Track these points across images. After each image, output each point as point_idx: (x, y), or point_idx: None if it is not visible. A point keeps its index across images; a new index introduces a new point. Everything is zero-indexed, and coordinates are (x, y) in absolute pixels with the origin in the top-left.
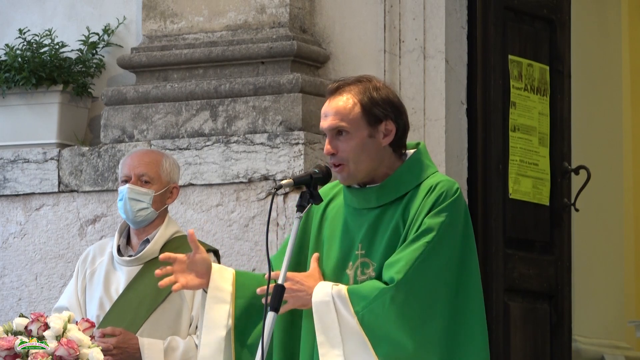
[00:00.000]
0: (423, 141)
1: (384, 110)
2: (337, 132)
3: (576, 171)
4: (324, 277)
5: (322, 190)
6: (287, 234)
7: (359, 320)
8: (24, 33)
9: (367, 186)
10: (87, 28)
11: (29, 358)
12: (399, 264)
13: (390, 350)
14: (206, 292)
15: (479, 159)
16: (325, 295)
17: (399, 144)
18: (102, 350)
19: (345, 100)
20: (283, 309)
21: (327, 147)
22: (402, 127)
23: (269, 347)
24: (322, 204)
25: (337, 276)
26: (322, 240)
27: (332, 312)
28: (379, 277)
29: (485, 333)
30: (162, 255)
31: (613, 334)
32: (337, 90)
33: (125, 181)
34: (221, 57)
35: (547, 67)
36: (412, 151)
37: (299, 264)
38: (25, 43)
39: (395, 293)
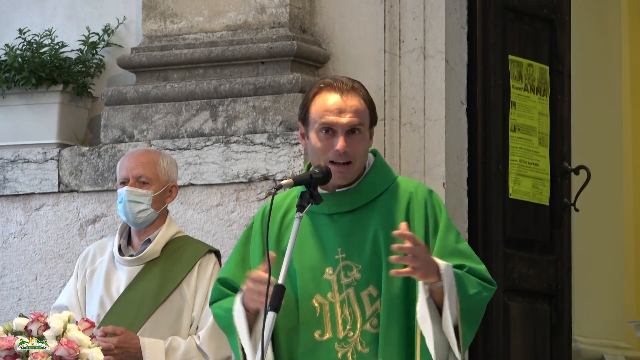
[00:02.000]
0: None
1: (376, 114)
2: (352, 130)
3: (576, 171)
4: (300, 286)
5: (275, 203)
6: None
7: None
8: (24, 33)
9: (337, 190)
10: (87, 28)
11: (29, 358)
12: (466, 256)
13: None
14: None
15: (479, 159)
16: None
17: None
18: (103, 349)
19: (359, 101)
20: None
21: (342, 144)
22: None
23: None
24: (278, 216)
25: (316, 284)
26: (283, 251)
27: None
28: (365, 277)
29: None
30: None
31: (613, 334)
32: (350, 88)
33: (124, 183)
34: (221, 57)
35: (547, 67)
36: (370, 155)
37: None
38: (25, 43)
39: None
